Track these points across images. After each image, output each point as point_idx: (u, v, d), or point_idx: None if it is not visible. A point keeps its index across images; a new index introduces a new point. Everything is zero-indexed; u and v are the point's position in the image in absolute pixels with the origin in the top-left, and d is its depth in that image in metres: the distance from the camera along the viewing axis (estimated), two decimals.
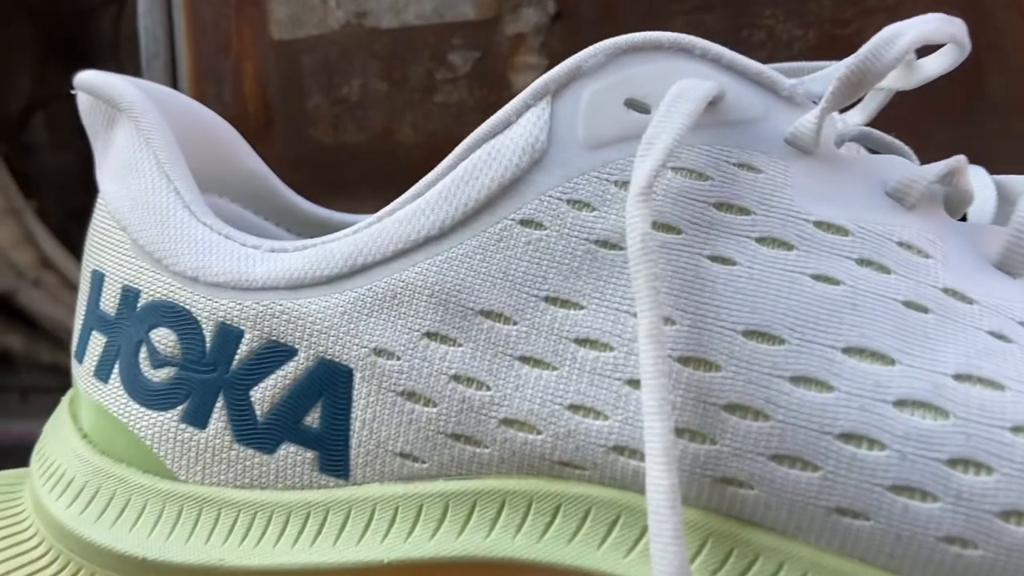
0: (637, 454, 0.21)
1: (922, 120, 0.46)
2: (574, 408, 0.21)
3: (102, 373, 0.25)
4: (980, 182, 0.26)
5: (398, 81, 0.43)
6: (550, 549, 0.21)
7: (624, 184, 0.21)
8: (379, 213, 0.23)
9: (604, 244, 0.21)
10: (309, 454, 0.23)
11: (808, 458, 0.20)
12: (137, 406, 0.24)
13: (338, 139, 0.43)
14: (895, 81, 0.28)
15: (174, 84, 0.43)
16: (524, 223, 0.21)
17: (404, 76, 0.43)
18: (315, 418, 0.22)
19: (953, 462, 0.19)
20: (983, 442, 0.19)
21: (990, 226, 0.23)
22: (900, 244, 0.21)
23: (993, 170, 0.26)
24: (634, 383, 0.21)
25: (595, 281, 0.21)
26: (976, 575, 0.19)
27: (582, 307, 0.21)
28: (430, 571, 0.22)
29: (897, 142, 0.24)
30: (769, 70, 0.23)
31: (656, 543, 0.18)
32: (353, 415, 0.22)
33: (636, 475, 0.21)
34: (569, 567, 0.21)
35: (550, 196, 0.21)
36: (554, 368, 0.21)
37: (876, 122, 0.26)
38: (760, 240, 0.21)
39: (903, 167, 0.23)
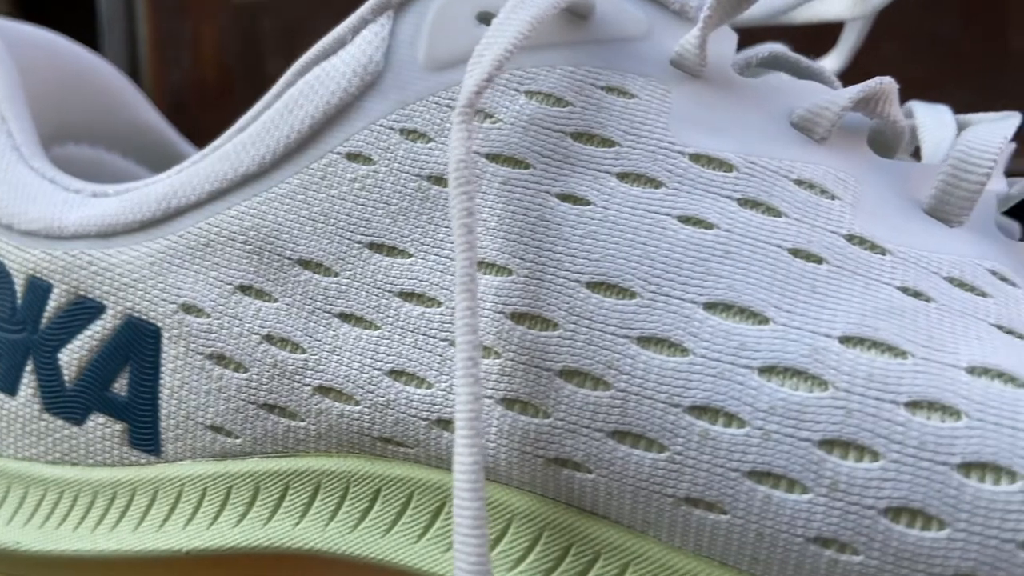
0: None
1: (941, 79, 0.42)
2: (395, 374, 0.18)
3: None
4: (939, 120, 0.21)
5: None
6: (363, 541, 0.18)
7: None
8: (204, 150, 0.20)
9: (438, 181, 0.18)
10: (118, 426, 0.20)
11: (653, 436, 0.16)
12: None
13: None
14: (850, 9, 0.24)
15: (133, 50, 0.41)
16: (351, 157, 0.18)
17: None
18: (123, 385, 0.20)
19: (828, 443, 0.15)
20: (868, 420, 0.15)
21: (923, 164, 0.19)
22: (799, 183, 0.17)
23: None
24: None
25: (425, 224, 0.18)
26: None
27: (409, 255, 0.18)
28: (244, 563, 0.19)
29: (818, 66, 0.20)
30: None
31: (457, 533, 0.15)
32: (161, 381, 0.19)
33: None
34: (383, 562, 0.18)
35: (381, 125, 0.18)
36: (375, 327, 0.18)
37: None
38: (622, 176, 0.17)
39: (815, 93, 0.19)
